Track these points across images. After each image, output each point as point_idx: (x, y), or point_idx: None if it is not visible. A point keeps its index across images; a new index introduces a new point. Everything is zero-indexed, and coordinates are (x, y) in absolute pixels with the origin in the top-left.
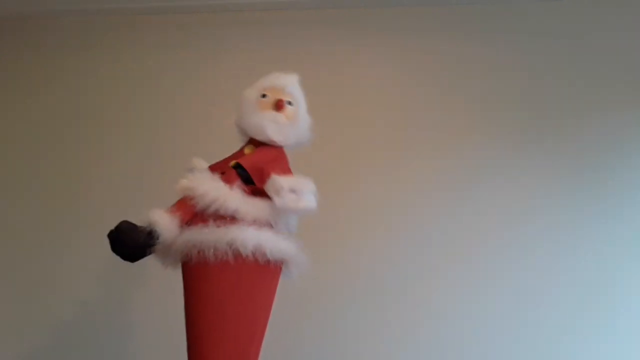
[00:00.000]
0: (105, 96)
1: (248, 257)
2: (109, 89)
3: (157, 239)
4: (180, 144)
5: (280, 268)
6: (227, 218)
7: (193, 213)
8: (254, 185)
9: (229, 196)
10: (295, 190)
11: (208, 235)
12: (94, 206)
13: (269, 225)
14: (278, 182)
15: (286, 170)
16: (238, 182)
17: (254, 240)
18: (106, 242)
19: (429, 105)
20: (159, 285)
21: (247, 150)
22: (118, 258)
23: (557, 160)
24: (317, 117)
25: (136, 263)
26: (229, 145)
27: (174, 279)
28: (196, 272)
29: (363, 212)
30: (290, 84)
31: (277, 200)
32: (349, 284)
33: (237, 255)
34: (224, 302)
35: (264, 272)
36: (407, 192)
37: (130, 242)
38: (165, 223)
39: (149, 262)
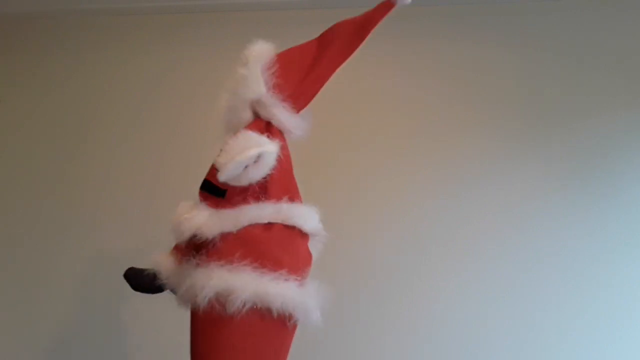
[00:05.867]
0: (105, 96)
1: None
2: (109, 89)
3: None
4: (180, 143)
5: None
6: (202, 250)
7: (179, 247)
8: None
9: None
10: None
11: (198, 280)
12: (93, 206)
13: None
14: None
15: None
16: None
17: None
18: (105, 243)
19: (429, 105)
20: None
21: None
22: (116, 258)
23: (559, 161)
24: (317, 117)
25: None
26: None
27: None
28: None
29: (363, 213)
30: None
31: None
32: (348, 284)
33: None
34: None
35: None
36: (407, 192)
37: (140, 287)
38: (165, 264)
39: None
